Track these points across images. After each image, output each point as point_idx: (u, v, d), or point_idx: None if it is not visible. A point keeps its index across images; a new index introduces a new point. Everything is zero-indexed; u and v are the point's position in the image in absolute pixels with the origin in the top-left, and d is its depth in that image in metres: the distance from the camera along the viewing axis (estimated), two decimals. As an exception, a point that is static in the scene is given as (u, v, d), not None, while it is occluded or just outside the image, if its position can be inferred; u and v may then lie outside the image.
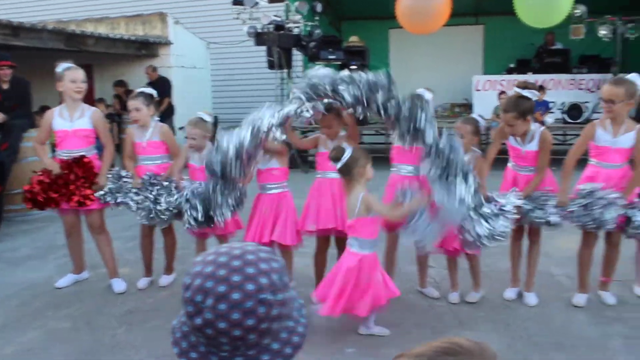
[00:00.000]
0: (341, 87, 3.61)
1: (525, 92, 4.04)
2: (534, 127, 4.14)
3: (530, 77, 11.50)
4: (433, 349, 0.93)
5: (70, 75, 4.49)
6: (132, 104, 4.61)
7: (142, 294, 4.64)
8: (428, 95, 4.07)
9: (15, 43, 8.51)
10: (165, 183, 4.45)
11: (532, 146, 4.12)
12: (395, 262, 4.47)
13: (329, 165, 4.06)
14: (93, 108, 4.72)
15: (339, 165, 3.58)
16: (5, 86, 7.00)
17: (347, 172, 3.59)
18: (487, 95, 11.36)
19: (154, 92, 4.75)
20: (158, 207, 4.37)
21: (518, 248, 4.44)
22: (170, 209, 4.36)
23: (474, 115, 4.57)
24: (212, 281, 1.04)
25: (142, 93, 4.68)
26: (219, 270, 1.05)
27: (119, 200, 4.50)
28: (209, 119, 4.56)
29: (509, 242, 4.34)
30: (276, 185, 4.31)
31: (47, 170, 4.52)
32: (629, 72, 10.64)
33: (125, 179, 4.54)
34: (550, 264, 4.98)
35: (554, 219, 4.04)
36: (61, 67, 4.52)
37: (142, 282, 4.79)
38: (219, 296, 1.03)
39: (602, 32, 10.45)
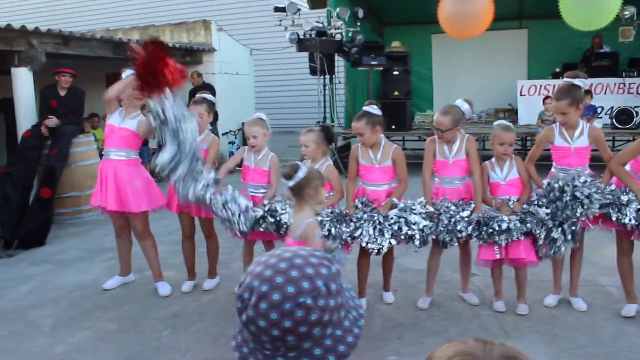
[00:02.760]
0: None
1: (577, 81, 4.00)
2: (582, 123, 4.07)
3: (587, 80, 11.23)
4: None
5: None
6: (195, 109, 4.59)
7: (186, 298, 4.72)
8: (465, 107, 4.10)
9: (66, 52, 8.78)
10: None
11: (582, 141, 4.05)
12: (436, 269, 4.43)
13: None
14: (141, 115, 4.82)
15: (290, 183, 3.30)
16: (63, 93, 7.28)
17: (298, 191, 3.31)
18: (532, 100, 11.15)
19: (214, 99, 4.82)
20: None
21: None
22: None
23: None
24: (258, 280, 1.09)
25: (205, 99, 4.72)
26: (266, 270, 1.10)
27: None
28: (266, 118, 4.58)
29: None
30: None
31: None
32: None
33: None
34: (597, 273, 4.86)
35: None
36: (126, 73, 4.63)
37: (186, 286, 4.87)
38: (261, 295, 1.07)
39: (653, 34, 10.16)
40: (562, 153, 4.11)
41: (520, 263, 4.13)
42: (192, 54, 13.04)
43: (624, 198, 3.87)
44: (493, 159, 4.24)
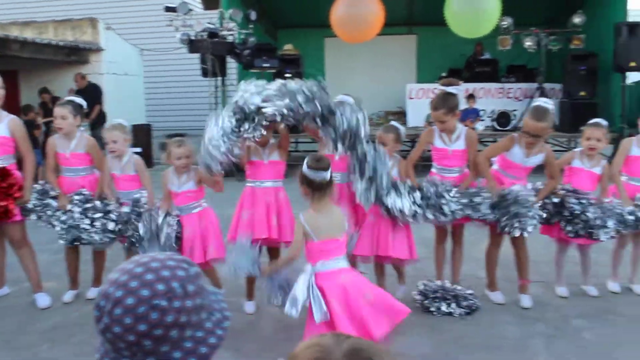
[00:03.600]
0: (272, 102, 3.64)
1: (450, 89, 4.20)
2: (460, 127, 4.28)
3: (461, 86, 11.83)
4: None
5: None
6: (58, 111, 4.46)
7: (67, 308, 4.49)
8: (350, 101, 4.19)
9: None
10: (98, 203, 4.35)
11: (459, 145, 4.27)
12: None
13: (262, 174, 4.10)
14: (11, 115, 4.52)
15: (328, 175, 3.23)
16: None
17: (330, 184, 3.25)
18: (420, 103, 11.61)
19: (83, 102, 4.64)
20: (92, 230, 4.27)
21: (443, 250, 4.59)
22: (114, 233, 4.30)
23: (394, 123, 4.66)
24: (114, 287, 1.07)
25: (71, 101, 4.56)
26: (122, 276, 1.09)
27: (43, 219, 4.39)
28: (127, 123, 4.50)
29: (434, 245, 4.57)
30: (195, 205, 4.29)
31: None
32: (553, 82, 11.11)
33: (51, 197, 4.41)
34: (477, 267, 5.12)
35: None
36: None
37: (68, 296, 4.63)
38: (116, 301, 1.05)
39: (527, 43, 10.89)
40: (441, 154, 4.33)
41: (393, 261, 4.32)
42: (77, 53, 12.47)
43: (477, 199, 4.17)
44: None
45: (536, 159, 4.28)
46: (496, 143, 4.44)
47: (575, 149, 4.64)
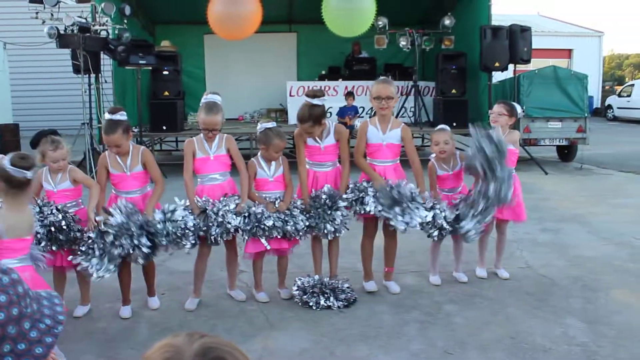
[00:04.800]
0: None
1: (315, 101, 4.29)
2: (327, 122, 4.41)
3: (340, 84, 12.12)
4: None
5: None
6: None
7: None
8: (219, 99, 4.20)
9: None
10: None
11: (330, 140, 4.41)
12: (204, 270, 4.43)
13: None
14: None
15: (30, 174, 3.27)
16: None
17: None
18: (301, 100, 11.58)
19: None
20: None
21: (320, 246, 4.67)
22: None
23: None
24: None
25: None
26: None
27: None
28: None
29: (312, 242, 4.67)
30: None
31: None
32: (427, 80, 11.61)
33: None
34: (355, 260, 5.25)
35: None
36: None
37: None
38: None
39: (402, 43, 11.30)
40: (313, 151, 4.46)
41: (282, 252, 4.40)
42: None
43: (363, 195, 4.36)
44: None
45: (394, 134, 4.49)
46: (357, 140, 4.63)
47: (430, 157, 4.83)
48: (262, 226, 4.13)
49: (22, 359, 1.03)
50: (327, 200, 4.29)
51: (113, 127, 3.99)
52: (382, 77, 4.78)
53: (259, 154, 4.44)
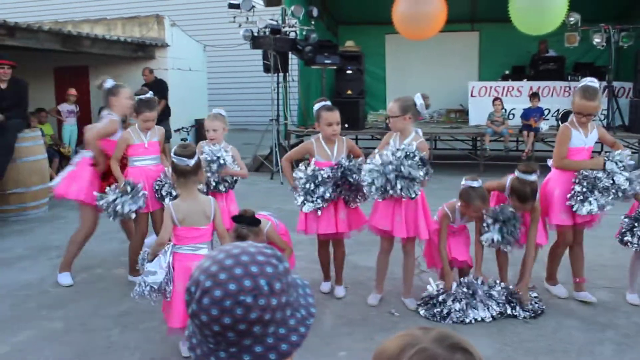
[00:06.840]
0: None
1: (533, 177, 4.12)
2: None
3: (525, 84, 11.59)
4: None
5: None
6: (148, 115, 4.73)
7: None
8: (420, 101, 4.13)
9: (10, 43, 8.50)
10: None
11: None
12: (386, 267, 4.50)
13: None
14: None
15: (192, 162, 3.48)
16: (3, 86, 6.97)
17: None
18: (482, 101, 11.42)
19: (154, 97, 4.83)
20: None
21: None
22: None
23: None
24: (204, 275, 1.10)
25: (143, 101, 4.73)
26: (213, 265, 1.11)
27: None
28: (225, 113, 4.65)
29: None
30: None
31: None
32: (622, 80, 10.70)
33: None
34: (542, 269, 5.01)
35: None
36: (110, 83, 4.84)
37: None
38: (205, 290, 1.08)
39: (596, 40, 10.49)
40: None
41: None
42: (144, 49, 12.83)
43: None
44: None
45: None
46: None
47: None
48: None
49: (280, 343, 1.12)
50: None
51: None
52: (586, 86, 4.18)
53: None
